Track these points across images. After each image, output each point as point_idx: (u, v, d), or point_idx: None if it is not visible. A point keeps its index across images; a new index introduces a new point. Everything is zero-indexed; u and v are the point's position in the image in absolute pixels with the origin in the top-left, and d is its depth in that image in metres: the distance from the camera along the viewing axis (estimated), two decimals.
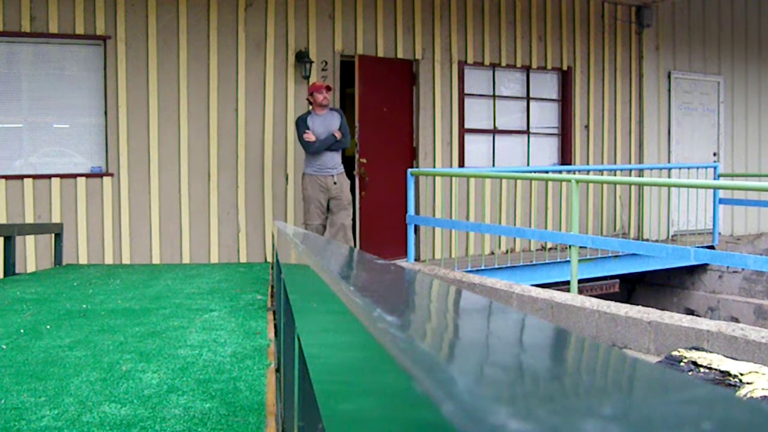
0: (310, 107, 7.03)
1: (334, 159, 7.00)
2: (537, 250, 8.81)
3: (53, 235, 6.56)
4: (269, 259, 7.19)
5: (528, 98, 9.47)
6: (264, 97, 7.71)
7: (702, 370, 3.00)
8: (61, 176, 6.94)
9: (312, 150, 6.85)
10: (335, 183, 6.92)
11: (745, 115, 11.33)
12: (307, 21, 7.91)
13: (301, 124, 6.90)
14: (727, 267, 8.93)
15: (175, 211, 7.35)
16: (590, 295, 6.41)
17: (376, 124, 8.26)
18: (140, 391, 2.56)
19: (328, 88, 6.97)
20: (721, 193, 9.95)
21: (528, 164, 9.42)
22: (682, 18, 10.61)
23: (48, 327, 3.65)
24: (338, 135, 6.91)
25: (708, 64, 10.89)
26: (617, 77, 10.01)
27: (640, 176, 9.35)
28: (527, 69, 9.37)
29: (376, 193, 8.29)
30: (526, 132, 9.48)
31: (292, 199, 7.87)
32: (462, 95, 8.90)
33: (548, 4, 9.35)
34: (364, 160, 8.04)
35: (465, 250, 8.70)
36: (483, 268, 7.67)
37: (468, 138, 9.00)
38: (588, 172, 8.77)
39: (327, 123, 6.91)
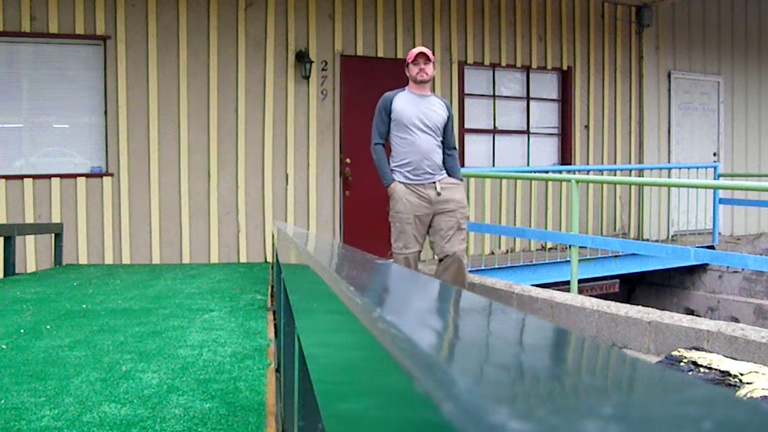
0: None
1: (434, 158, 4.86)
2: (537, 250, 8.81)
3: (53, 235, 6.56)
4: (269, 259, 7.18)
5: (528, 98, 9.46)
6: (264, 97, 7.70)
7: (702, 370, 3.00)
8: (61, 176, 6.93)
9: (374, 151, 4.97)
10: (439, 193, 4.85)
11: (745, 115, 11.33)
12: (307, 21, 7.91)
13: (379, 111, 4.96)
14: (727, 267, 8.93)
15: (175, 211, 7.35)
16: (590, 295, 6.41)
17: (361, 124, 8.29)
18: (140, 391, 2.56)
19: (427, 59, 4.88)
20: (721, 193, 9.95)
21: (528, 164, 9.42)
22: (682, 18, 10.61)
23: (48, 327, 3.65)
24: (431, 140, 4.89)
25: (708, 64, 10.89)
26: (617, 77, 10.00)
27: (640, 176, 9.35)
28: (527, 69, 9.37)
29: (364, 193, 8.30)
30: (526, 132, 9.48)
31: (292, 199, 7.88)
32: (462, 95, 8.90)
33: (548, 4, 9.34)
34: (348, 160, 8.08)
35: (465, 250, 8.69)
36: (483, 268, 7.67)
37: (468, 138, 9.00)
38: (588, 172, 8.77)
39: (424, 110, 4.88)
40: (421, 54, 4.86)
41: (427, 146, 4.80)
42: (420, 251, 5.02)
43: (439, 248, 4.94)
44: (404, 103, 4.88)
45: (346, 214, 8.19)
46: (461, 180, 5.03)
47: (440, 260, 5.01)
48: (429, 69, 4.88)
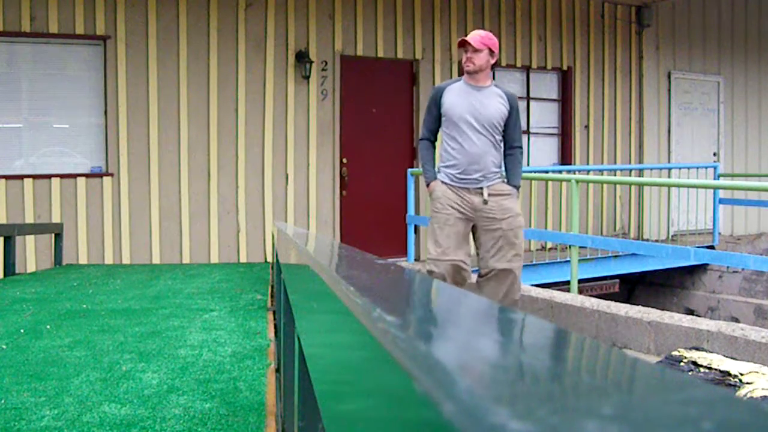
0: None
1: (486, 162, 4.12)
2: (537, 250, 8.81)
3: (53, 235, 6.56)
4: (269, 259, 7.18)
5: (528, 98, 9.46)
6: (264, 97, 7.70)
7: (702, 370, 3.00)
8: (61, 176, 6.93)
9: (419, 146, 4.47)
10: (485, 202, 4.11)
11: (745, 115, 11.33)
12: (307, 21, 7.91)
13: (429, 104, 4.34)
14: (727, 267, 8.93)
15: (175, 211, 7.35)
16: (590, 295, 6.41)
17: (362, 124, 8.31)
18: (140, 391, 2.56)
19: (475, 48, 4.09)
20: (721, 193, 9.95)
21: (528, 164, 9.42)
22: (682, 18, 10.61)
23: (48, 327, 3.65)
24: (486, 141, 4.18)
25: (708, 64, 10.89)
26: (617, 77, 10.00)
27: (640, 176, 9.35)
28: (527, 69, 9.37)
29: (361, 193, 8.31)
30: (526, 132, 9.47)
31: (292, 199, 7.88)
32: None
33: (548, 4, 9.34)
34: (345, 160, 8.09)
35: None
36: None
37: None
38: (588, 172, 8.77)
39: (478, 104, 4.11)
40: (463, 42, 4.11)
41: (478, 149, 4.06)
42: (463, 263, 4.10)
43: (484, 263, 4.20)
44: (455, 96, 4.12)
45: (343, 213, 8.20)
46: (518, 186, 4.23)
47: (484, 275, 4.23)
48: (477, 58, 4.08)
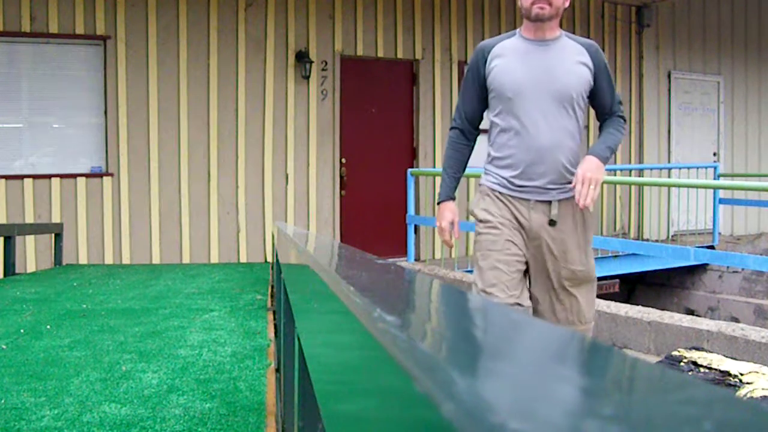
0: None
1: (558, 156, 2.71)
2: None
3: (53, 235, 6.56)
4: (269, 259, 7.18)
5: None
6: (264, 97, 7.70)
7: (702, 370, 3.00)
8: (61, 176, 6.93)
9: (448, 138, 3.02)
10: (553, 222, 2.73)
11: (745, 115, 11.33)
12: (307, 21, 7.91)
13: (469, 73, 2.86)
14: (727, 267, 8.93)
15: (175, 211, 7.35)
16: None
17: (362, 124, 8.32)
18: (140, 391, 2.56)
19: None
20: (721, 193, 9.95)
21: None
22: (682, 18, 10.60)
23: (48, 327, 3.65)
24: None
25: (708, 64, 10.89)
26: (617, 77, 10.00)
27: (640, 176, 9.35)
28: None
29: (360, 193, 8.31)
30: None
31: (292, 199, 7.88)
32: None
33: None
34: (343, 160, 8.10)
35: (465, 250, 8.70)
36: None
37: None
38: None
39: (546, 67, 2.73)
40: None
41: (547, 139, 2.66)
42: (520, 306, 2.67)
43: (541, 316, 2.80)
44: (511, 59, 2.70)
45: (343, 213, 8.20)
46: (603, 156, 2.73)
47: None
48: None
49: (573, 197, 2.67)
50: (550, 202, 2.71)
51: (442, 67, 8.69)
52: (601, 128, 2.92)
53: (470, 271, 7.07)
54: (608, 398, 0.34)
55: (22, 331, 3.56)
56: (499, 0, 9.02)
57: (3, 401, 2.45)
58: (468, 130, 2.92)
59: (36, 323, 3.74)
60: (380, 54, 8.31)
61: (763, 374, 2.85)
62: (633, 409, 0.32)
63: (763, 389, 2.69)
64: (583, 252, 2.75)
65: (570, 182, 2.68)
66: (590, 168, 2.63)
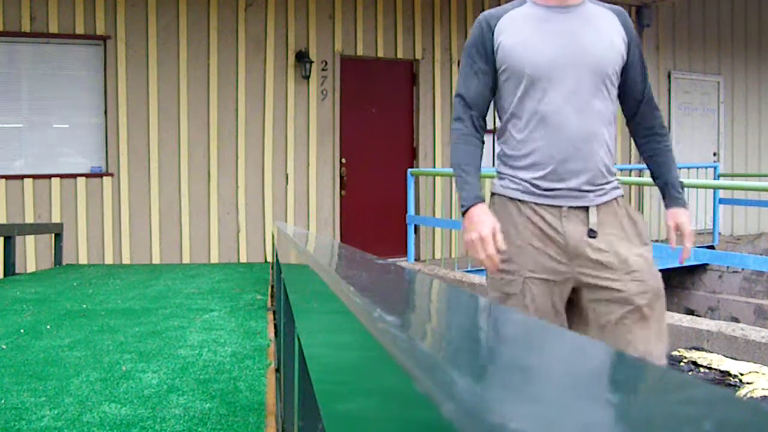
0: None
1: (594, 147, 2.10)
2: None
3: (53, 235, 6.57)
4: (269, 259, 7.19)
5: None
6: (264, 97, 7.70)
7: (702, 370, 3.00)
8: (61, 176, 6.93)
9: (452, 135, 2.26)
10: (593, 233, 2.08)
11: (745, 115, 11.33)
12: (307, 21, 7.91)
13: (471, 49, 2.20)
14: (727, 267, 8.93)
15: (175, 211, 7.35)
16: None
17: (362, 124, 8.32)
18: (140, 391, 2.56)
19: None
20: (721, 193, 9.95)
21: None
22: (682, 18, 10.61)
23: (48, 327, 3.65)
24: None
25: (708, 64, 10.89)
26: None
27: (640, 176, 9.35)
28: None
29: (360, 193, 8.32)
30: None
31: (292, 199, 7.87)
32: None
33: None
34: (343, 160, 8.10)
35: (465, 250, 8.69)
36: (483, 268, 7.66)
37: None
38: None
39: (571, 37, 2.10)
40: None
41: (579, 127, 2.10)
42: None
43: None
44: (526, 30, 2.13)
45: (343, 213, 8.21)
46: (680, 193, 2.27)
47: None
48: None
49: (615, 200, 2.13)
50: (587, 209, 2.09)
51: (442, 67, 8.69)
52: (635, 133, 2.29)
53: (471, 271, 7.07)
54: (608, 398, 0.34)
55: (22, 331, 3.56)
56: (499, 1, 9.02)
57: (3, 401, 2.45)
58: (475, 122, 2.21)
59: (36, 323, 3.74)
60: (380, 54, 8.31)
61: (763, 374, 2.85)
62: (633, 409, 0.32)
63: (763, 389, 2.70)
64: (644, 259, 2.08)
65: (608, 181, 2.13)
66: (688, 221, 2.20)
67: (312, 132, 7.94)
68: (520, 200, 2.13)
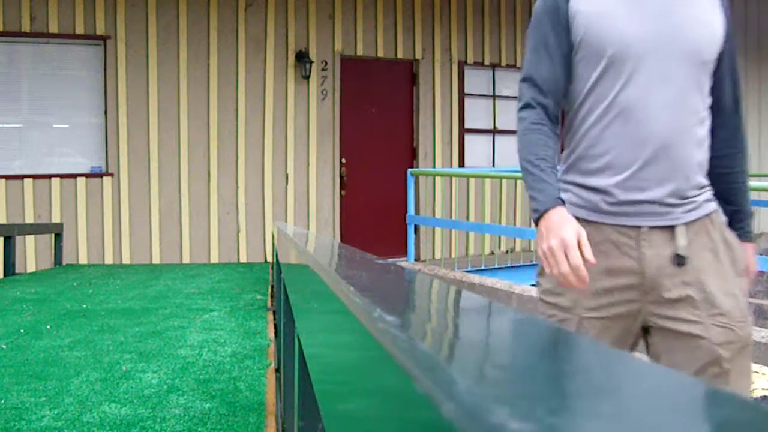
0: None
1: (684, 151, 1.66)
2: (537, 250, 8.81)
3: (53, 235, 6.57)
4: (269, 259, 7.19)
5: None
6: (264, 97, 7.71)
7: None
8: (61, 176, 6.94)
9: (519, 124, 1.76)
10: (680, 259, 1.63)
11: (745, 115, 11.33)
12: (307, 21, 7.91)
13: (541, 23, 1.84)
14: None
15: (175, 211, 7.35)
16: None
17: (362, 124, 8.33)
18: (140, 391, 2.56)
19: None
20: None
21: None
22: None
23: (48, 327, 3.65)
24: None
25: None
26: None
27: None
28: None
29: (360, 193, 8.32)
30: None
31: (292, 199, 7.88)
32: (462, 95, 8.90)
33: None
34: (343, 160, 8.11)
35: (465, 250, 8.70)
36: (483, 268, 7.67)
37: (468, 138, 9.00)
38: None
39: (665, 12, 1.65)
40: None
41: (674, 122, 1.66)
42: None
43: None
44: (611, 2, 1.69)
45: (343, 213, 8.21)
46: (749, 214, 1.93)
47: None
48: None
49: (708, 216, 1.69)
50: (673, 228, 1.65)
51: (442, 67, 8.69)
52: (726, 154, 1.90)
53: (471, 271, 7.08)
54: (608, 398, 0.34)
55: (22, 331, 3.56)
56: (499, 0, 9.02)
57: (3, 401, 2.45)
58: (550, 111, 1.75)
59: (36, 323, 3.74)
60: (380, 54, 8.31)
61: (763, 374, 2.85)
62: (633, 409, 0.32)
63: (763, 389, 2.70)
64: (736, 299, 1.72)
65: (700, 192, 1.69)
66: (755, 259, 1.90)
67: (312, 132, 7.95)
68: (585, 220, 1.67)
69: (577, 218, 1.63)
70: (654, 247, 1.64)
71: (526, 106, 1.76)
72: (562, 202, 1.64)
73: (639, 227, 1.64)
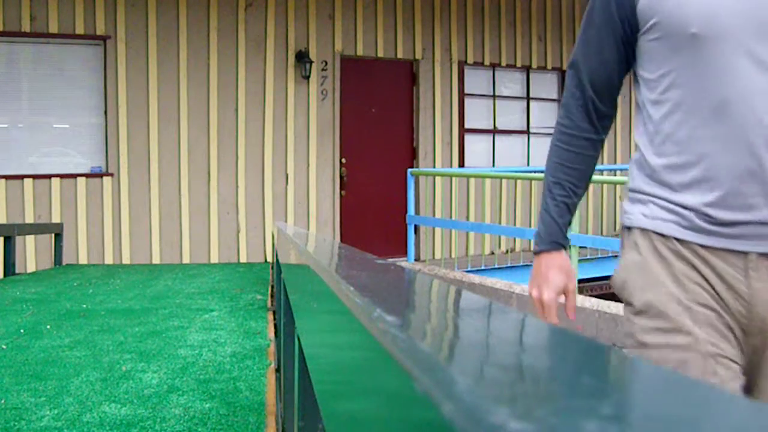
0: None
1: None
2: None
3: (53, 235, 6.57)
4: (269, 259, 7.19)
5: (528, 98, 9.46)
6: (264, 97, 7.70)
7: None
8: (61, 176, 6.94)
9: (557, 127, 1.55)
10: None
11: None
12: (307, 21, 7.91)
13: (595, 13, 1.44)
14: None
15: (175, 211, 7.35)
16: (590, 295, 6.41)
17: (362, 124, 8.33)
18: (140, 391, 2.56)
19: None
20: None
21: (528, 164, 9.42)
22: None
23: (48, 327, 3.65)
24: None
25: None
26: None
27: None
28: (527, 69, 9.36)
29: (360, 193, 8.32)
30: (526, 132, 9.48)
31: (292, 199, 7.87)
32: (462, 95, 8.90)
33: (548, 4, 9.34)
34: (343, 160, 8.11)
35: (465, 250, 8.70)
36: (483, 268, 7.67)
37: (468, 138, 9.00)
38: None
39: None
40: None
41: None
42: None
43: None
44: None
45: (342, 213, 8.21)
46: None
47: None
48: None
49: None
50: None
51: (442, 67, 8.69)
52: None
53: (471, 271, 7.07)
54: (608, 398, 0.34)
55: (22, 331, 3.56)
56: (499, 0, 9.02)
57: (3, 401, 2.45)
58: (594, 110, 1.54)
59: (36, 323, 3.74)
60: (380, 54, 8.31)
61: None
62: (633, 409, 0.32)
63: None
64: None
65: None
66: None
67: (312, 132, 7.95)
68: (679, 239, 1.35)
69: (667, 235, 1.36)
70: (763, 278, 1.30)
71: (565, 105, 1.55)
72: (563, 246, 1.53)
73: (746, 253, 1.31)
